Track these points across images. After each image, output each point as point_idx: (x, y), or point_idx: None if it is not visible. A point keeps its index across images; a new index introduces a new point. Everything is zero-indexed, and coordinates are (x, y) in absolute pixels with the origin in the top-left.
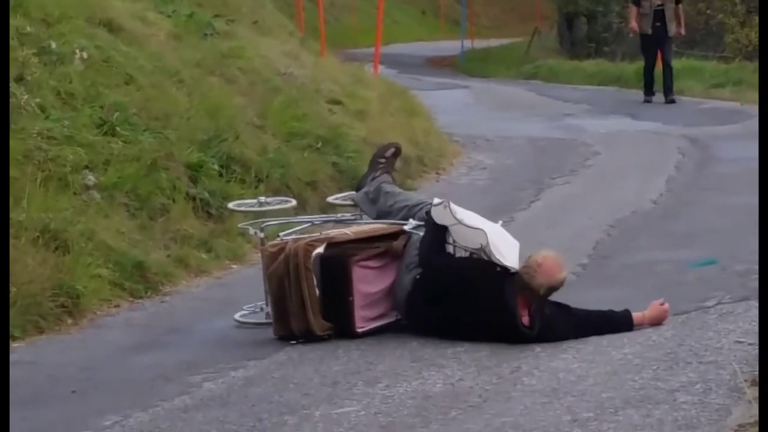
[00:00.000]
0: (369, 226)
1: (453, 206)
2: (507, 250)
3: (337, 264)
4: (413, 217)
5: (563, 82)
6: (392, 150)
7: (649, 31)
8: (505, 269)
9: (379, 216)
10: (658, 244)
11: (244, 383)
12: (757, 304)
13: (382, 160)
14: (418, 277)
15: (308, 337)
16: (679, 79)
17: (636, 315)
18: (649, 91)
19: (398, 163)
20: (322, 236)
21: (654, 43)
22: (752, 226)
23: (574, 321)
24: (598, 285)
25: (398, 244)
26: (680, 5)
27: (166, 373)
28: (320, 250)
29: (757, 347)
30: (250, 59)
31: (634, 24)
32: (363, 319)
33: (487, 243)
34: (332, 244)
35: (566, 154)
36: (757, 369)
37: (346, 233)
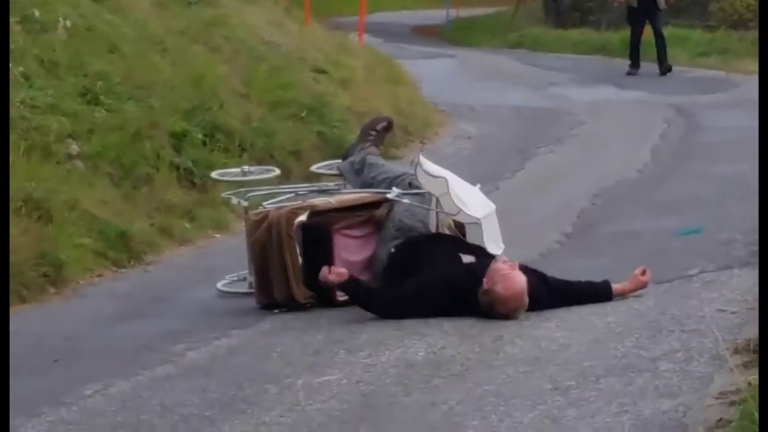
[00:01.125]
0: (352, 195)
1: (422, 159)
2: (472, 203)
3: (319, 231)
4: (396, 187)
5: (548, 51)
6: (384, 124)
7: (635, 4)
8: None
9: (363, 187)
10: (643, 213)
11: (227, 352)
12: (739, 273)
13: (373, 133)
14: (393, 250)
15: (291, 305)
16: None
17: (616, 286)
18: (634, 63)
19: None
20: (305, 204)
21: (641, 16)
22: (737, 194)
23: (551, 290)
24: (582, 254)
25: (381, 212)
26: None
27: (149, 342)
28: (303, 218)
29: (740, 316)
30: (234, 27)
31: None
32: None
33: (447, 191)
34: (315, 212)
35: (551, 123)
36: (739, 337)
37: (329, 201)
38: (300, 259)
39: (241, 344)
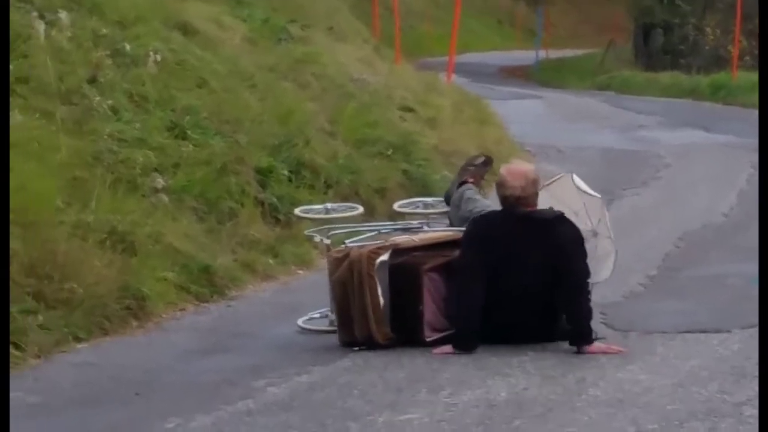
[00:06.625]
0: (435, 234)
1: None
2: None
3: (409, 272)
4: None
5: (637, 94)
6: (482, 159)
7: None
8: None
9: (461, 221)
10: (728, 257)
11: (308, 388)
12: None
13: (471, 168)
14: None
15: (370, 344)
16: (750, 92)
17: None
18: None
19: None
20: (387, 243)
21: None
22: None
23: None
24: (666, 296)
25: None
26: None
27: (230, 377)
28: (385, 257)
29: None
30: (324, 65)
31: None
32: (430, 328)
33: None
34: (397, 251)
35: (638, 165)
36: None
37: (412, 239)
38: (381, 299)
39: (321, 381)
